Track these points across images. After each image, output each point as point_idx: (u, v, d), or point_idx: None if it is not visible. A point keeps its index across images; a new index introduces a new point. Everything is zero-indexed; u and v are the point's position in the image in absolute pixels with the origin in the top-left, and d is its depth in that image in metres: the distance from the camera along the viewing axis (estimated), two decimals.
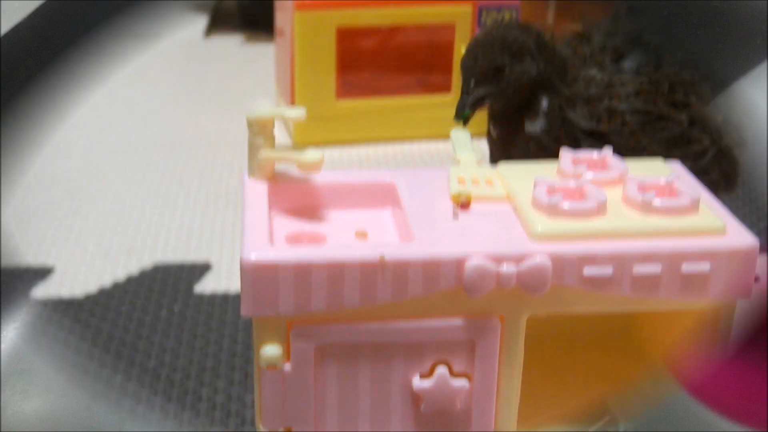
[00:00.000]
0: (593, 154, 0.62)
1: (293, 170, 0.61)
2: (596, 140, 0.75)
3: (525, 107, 0.74)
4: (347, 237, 0.59)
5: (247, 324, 0.80)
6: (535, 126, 0.74)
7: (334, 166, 1.12)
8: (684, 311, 0.57)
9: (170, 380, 0.74)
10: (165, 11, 1.62)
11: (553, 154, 0.73)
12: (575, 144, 0.74)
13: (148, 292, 0.85)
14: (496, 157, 0.78)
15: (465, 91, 0.73)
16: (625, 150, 0.71)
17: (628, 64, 0.79)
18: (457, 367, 0.55)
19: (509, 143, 0.76)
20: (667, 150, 0.75)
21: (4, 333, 0.78)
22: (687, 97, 0.78)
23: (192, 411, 0.71)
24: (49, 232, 0.95)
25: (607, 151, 0.61)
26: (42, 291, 0.85)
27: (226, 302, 0.84)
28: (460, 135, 0.66)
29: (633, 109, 0.76)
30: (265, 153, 0.59)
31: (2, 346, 0.77)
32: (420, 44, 1.21)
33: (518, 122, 0.75)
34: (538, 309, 0.54)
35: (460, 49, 1.17)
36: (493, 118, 0.77)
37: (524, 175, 0.60)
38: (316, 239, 0.59)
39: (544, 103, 0.74)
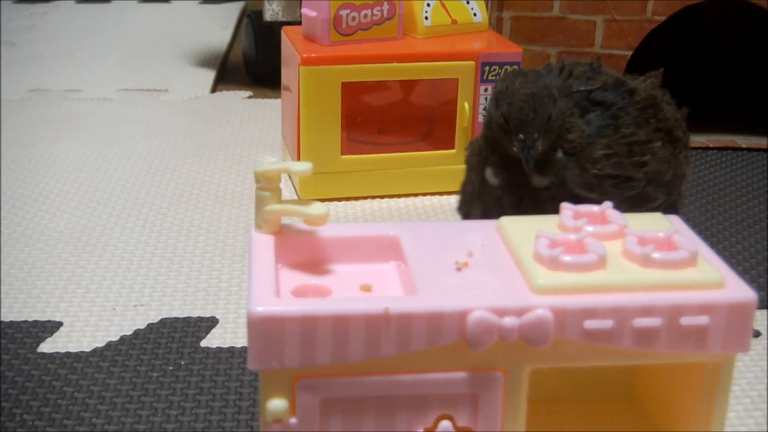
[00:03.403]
0: (593, 208, 0.62)
1: (299, 224, 0.62)
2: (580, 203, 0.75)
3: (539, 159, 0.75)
4: (352, 290, 0.59)
5: (253, 380, 0.81)
6: (543, 180, 0.75)
7: (339, 221, 1.13)
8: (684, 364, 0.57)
9: None
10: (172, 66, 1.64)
11: (545, 211, 0.73)
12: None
13: (155, 346, 0.86)
14: (490, 206, 0.78)
15: (528, 144, 0.73)
16: None
17: (590, 124, 0.80)
18: (461, 421, 0.55)
19: (510, 193, 0.77)
20: (628, 209, 0.76)
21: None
22: (643, 157, 0.80)
23: None
24: (57, 287, 0.96)
25: (607, 205, 0.62)
26: (50, 346, 0.86)
27: (231, 357, 0.84)
28: None
29: (607, 174, 0.78)
30: (272, 206, 0.60)
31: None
32: (423, 99, 1.22)
33: (524, 174, 0.75)
34: (539, 362, 0.54)
35: (464, 105, 1.18)
36: (495, 166, 0.77)
37: (525, 229, 0.60)
38: (321, 292, 0.59)
39: (560, 154, 0.75)
